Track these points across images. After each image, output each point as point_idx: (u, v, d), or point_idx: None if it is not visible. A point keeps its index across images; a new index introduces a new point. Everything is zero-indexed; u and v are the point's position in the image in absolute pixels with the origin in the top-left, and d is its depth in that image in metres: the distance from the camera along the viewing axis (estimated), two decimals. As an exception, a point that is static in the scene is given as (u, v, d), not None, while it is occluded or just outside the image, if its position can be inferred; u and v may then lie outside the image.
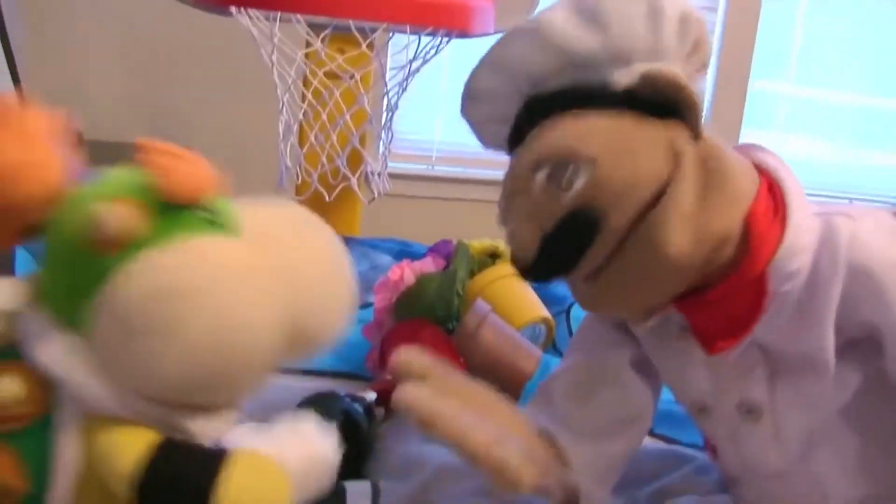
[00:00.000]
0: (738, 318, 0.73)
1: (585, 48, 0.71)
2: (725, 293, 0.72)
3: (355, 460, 0.96)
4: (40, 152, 0.51)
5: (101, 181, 0.53)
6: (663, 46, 0.71)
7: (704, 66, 0.76)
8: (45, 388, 0.51)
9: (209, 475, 0.49)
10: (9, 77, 2.08)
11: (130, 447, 0.50)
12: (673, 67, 0.70)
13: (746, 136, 3.45)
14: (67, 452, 0.51)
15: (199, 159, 0.53)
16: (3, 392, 0.50)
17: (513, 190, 0.73)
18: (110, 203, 0.49)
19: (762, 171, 0.75)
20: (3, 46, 2.01)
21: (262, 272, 0.50)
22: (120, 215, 0.48)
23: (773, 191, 0.73)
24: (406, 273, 1.24)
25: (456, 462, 0.91)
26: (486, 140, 0.85)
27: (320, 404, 0.93)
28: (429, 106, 3.34)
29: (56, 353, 0.50)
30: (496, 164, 3.33)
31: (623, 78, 0.70)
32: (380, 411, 1.07)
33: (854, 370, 0.74)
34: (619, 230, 0.68)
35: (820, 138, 3.68)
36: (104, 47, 2.87)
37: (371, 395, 1.03)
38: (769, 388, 0.77)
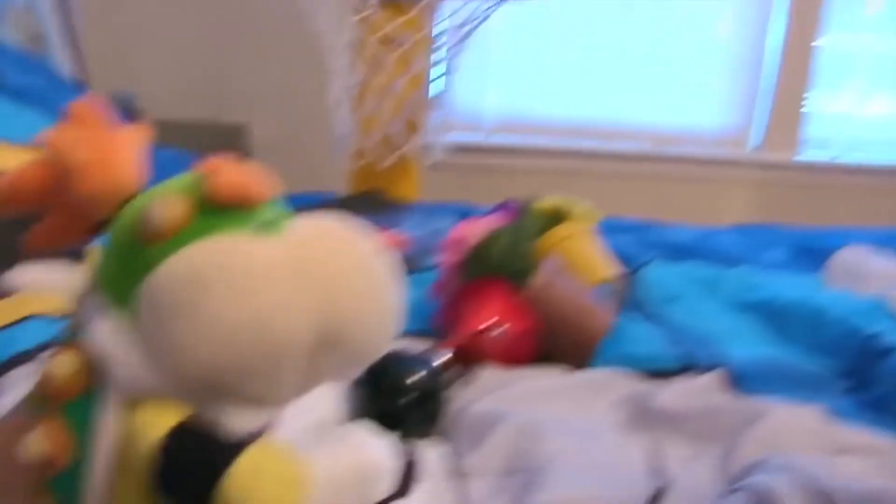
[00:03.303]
0: None
1: None
2: None
3: (430, 422, 0.92)
4: (117, 153, 0.56)
5: (166, 182, 0.56)
6: None
7: None
8: (96, 365, 0.53)
9: (219, 463, 0.50)
10: (72, 64, 2.09)
11: (155, 427, 0.51)
12: None
13: (816, 99, 3.33)
14: (106, 428, 0.52)
15: (256, 169, 0.55)
16: (60, 369, 0.53)
17: None
18: (159, 199, 0.52)
19: None
20: (71, 36, 2.03)
21: (295, 272, 0.52)
22: (166, 210, 0.51)
23: None
24: (471, 231, 1.19)
25: (538, 419, 0.88)
26: None
27: (393, 364, 0.89)
28: (482, 75, 3.30)
29: (104, 333, 0.52)
30: (553, 132, 3.33)
31: None
32: (452, 371, 1.03)
33: None
34: None
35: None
36: (158, 27, 2.88)
37: (445, 354, 0.99)
38: None
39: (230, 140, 2.72)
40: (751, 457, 0.84)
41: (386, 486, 0.72)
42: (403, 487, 0.77)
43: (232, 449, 0.50)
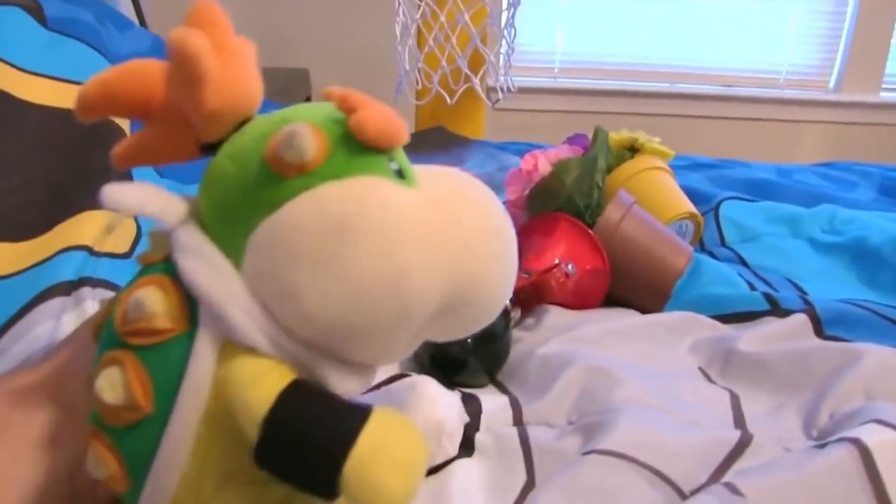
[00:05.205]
0: None
1: None
2: None
3: (493, 366, 0.87)
4: (243, 66, 0.49)
5: (292, 108, 0.50)
6: None
7: None
8: (189, 306, 0.47)
9: (347, 427, 0.44)
10: (133, 10, 2.06)
11: (266, 383, 0.45)
12: None
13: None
14: (197, 377, 0.46)
15: (392, 111, 0.48)
16: (145, 304, 0.46)
17: None
18: (302, 124, 0.45)
19: None
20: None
21: (434, 226, 0.46)
22: (309, 138, 0.45)
23: None
24: (540, 162, 1.12)
25: (610, 363, 0.82)
26: None
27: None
28: (549, 16, 3.23)
29: (205, 272, 0.46)
30: (621, 75, 3.25)
31: None
32: (515, 312, 0.98)
33: None
34: None
35: None
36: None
37: (506, 294, 0.93)
38: None
39: (291, 85, 2.70)
40: (844, 405, 0.76)
41: (451, 449, 0.70)
42: (467, 444, 0.73)
43: (359, 414, 0.44)
